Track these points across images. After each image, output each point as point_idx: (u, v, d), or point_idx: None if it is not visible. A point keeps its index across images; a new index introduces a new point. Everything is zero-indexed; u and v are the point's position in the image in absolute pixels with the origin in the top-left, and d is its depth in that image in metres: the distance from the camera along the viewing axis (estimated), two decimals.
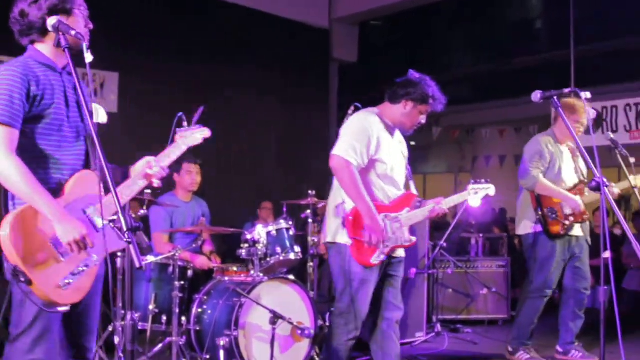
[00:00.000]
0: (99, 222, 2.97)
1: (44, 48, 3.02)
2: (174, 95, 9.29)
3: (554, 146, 5.88)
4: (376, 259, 4.32)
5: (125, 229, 2.55)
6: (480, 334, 7.39)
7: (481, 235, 9.01)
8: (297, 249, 5.95)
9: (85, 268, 2.92)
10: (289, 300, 5.43)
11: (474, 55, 14.83)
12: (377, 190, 4.42)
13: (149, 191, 5.69)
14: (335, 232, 4.41)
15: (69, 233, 2.82)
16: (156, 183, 3.26)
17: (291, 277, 5.56)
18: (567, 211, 5.78)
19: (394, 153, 4.51)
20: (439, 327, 7.32)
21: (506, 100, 12.70)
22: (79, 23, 3.04)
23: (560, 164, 5.88)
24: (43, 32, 2.98)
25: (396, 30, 14.15)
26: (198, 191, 6.80)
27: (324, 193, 9.10)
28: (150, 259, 5.58)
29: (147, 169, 3.23)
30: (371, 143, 4.33)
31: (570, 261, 5.93)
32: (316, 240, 6.63)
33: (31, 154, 2.92)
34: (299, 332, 5.23)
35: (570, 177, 5.92)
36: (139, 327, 5.51)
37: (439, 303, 7.69)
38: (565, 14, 11.20)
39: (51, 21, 2.86)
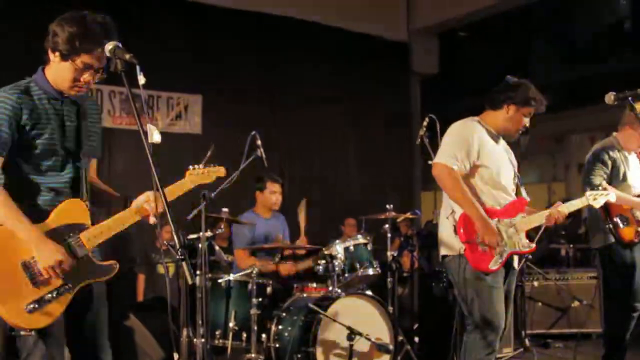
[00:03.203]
0: (79, 251, 3.02)
1: (52, 76, 3.09)
2: (255, 115, 9.39)
3: (615, 152, 5.62)
4: (494, 264, 4.22)
5: (178, 246, 2.58)
6: (572, 348, 7.11)
7: (571, 245, 8.72)
8: (376, 264, 5.92)
9: (56, 295, 2.95)
10: (367, 316, 5.40)
11: (559, 61, 14.46)
12: (485, 196, 4.35)
13: (226, 209, 5.78)
14: (448, 244, 4.37)
15: (46, 258, 2.91)
16: (152, 220, 3.16)
17: (369, 292, 5.53)
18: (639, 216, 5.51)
19: (499, 158, 4.45)
20: (527, 342, 7.10)
21: (595, 106, 12.30)
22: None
23: (625, 170, 5.60)
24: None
25: (477, 39, 13.94)
26: (282, 209, 6.88)
27: (407, 207, 9.07)
28: (229, 276, 5.65)
29: (146, 203, 3.17)
30: (471, 149, 4.30)
31: None
32: (395, 254, 6.56)
33: (18, 179, 3.03)
34: (378, 348, 5.19)
35: (638, 182, 5.62)
36: (220, 345, 5.60)
37: (527, 317, 7.46)
38: None
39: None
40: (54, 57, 3.04)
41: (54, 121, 3.06)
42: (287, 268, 6.17)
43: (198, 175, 3.50)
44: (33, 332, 2.93)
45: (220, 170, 3.66)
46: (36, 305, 2.89)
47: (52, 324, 2.96)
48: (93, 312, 3.19)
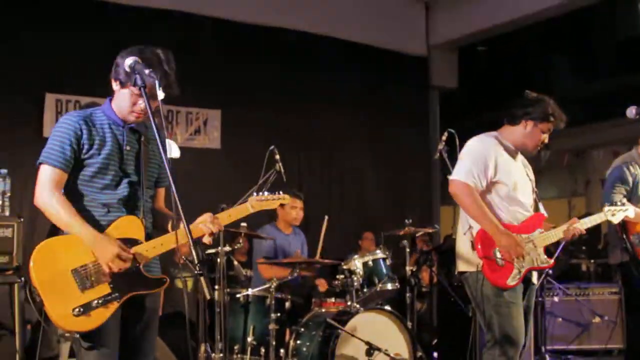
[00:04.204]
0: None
1: (115, 105, 3.31)
2: (274, 130, 9.40)
3: (636, 168, 5.56)
4: (513, 279, 4.22)
5: (196, 261, 2.61)
6: None
7: (592, 260, 8.64)
8: (395, 278, 5.90)
9: (102, 302, 3.09)
10: (386, 331, 5.40)
11: (581, 75, 14.38)
12: (502, 212, 4.35)
13: (244, 224, 5.78)
14: (466, 260, 4.37)
15: (104, 255, 3.08)
16: (206, 240, 3.35)
17: (387, 307, 5.53)
18: None
19: (517, 175, 4.44)
20: (548, 358, 7.03)
21: (616, 120, 12.20)
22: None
23: None
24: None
25: (497, 53, 13.89)
26: (301, 224, 6.89)
27: (426, 222, 9.03)
28: (247, 291, 5.66)
29: (201, 223, 3.32)
30: (489, 165, 4.30)
31: None
32: (414, 269, 6.54)
33: (73, 193, 3.22)
34: None
35: None
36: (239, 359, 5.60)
37: (547, 332, 7.39)
38: None
39: (128, 62, 3.05)
40: (115, 86, 3.26)
41: (112, 144, 3.26)
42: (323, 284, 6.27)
43: (261, 201, 3.62)
44: (77, 335, 3.12)
45: (285, 198, 3.74)
46: (81, 310, 3.03)
47: (108, 334, 3.13)
48: (142, 325, 3.35)
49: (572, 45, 14.32)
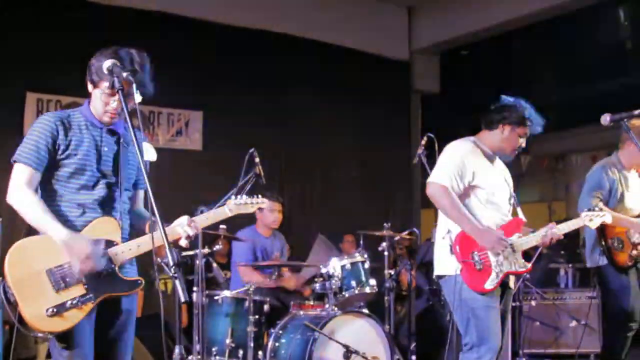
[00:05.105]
0: (105, 265, 3.14)
1: (92, 106, 3.32)
2: (255, 132, 9.41)
3: (615, 173, 5.61)
4: (490, 283, 4.24)
5: (171, 264, 2.62)
6: None
7: (570, 265, 8.69)
8: (373, 282, 5.93)
9: (76, 303, 3.08)
10: (364, 334, 5.42)
11: (561, 80, 14.47)
12: (481, 216, 4.37)
13: (224, 226, 5.79)
14: (444, 264, 4.39)
15: (75, 254, 3.06)
16: (183, 243, 3.35)
17: (365, 310, 5.54)
18: (635, 239, 5.49)
19: (495, 179, 4.48)
20: None
21: (596, 126, 12.26)
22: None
23: (623, 191, 5.60)
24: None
25: (478, 58, 13.96)
26: (283, 226, 6.89)
27: (407, 225, 9.05)
28: (225, 293, 5.66)
29: (178, 226, 3.33)
30: (466, 168, 4.34)
31: None
32: (392, 272, 6.57)
33: (49, 194, 3.23)
34: None
35: (636, 204, 5.62)
36: None
37: (525, 336, 7.43)
38: None
39: (106, 64, 3.06)
40: (90, 87, 3.28)
41: (89, 145, 3.27)
42: (292, 281, 6.21)
43: (239, 205, 3.62)
44: (50, 336, 3.10)
45: (263, 202, 3.75)
46: (55, 310, 3.02)
47: (82, 335, 3.11)
48: (118, 327, 3.33)
49: (553, 50, 14.41)
